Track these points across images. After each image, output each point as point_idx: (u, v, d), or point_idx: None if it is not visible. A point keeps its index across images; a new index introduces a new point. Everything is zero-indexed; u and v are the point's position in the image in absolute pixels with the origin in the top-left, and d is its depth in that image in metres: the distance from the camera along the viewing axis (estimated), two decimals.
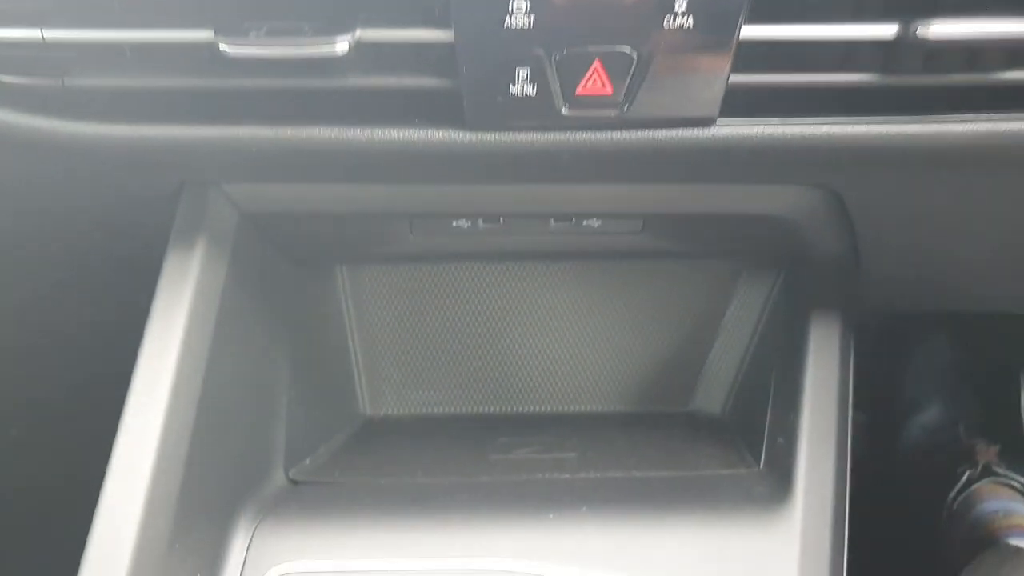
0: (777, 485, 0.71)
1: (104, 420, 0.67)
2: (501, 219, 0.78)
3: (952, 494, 1.33)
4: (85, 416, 0.79)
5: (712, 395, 0.91)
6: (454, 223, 0.78)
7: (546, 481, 0.74)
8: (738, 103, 0.61)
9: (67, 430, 0.84)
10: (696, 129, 0.61)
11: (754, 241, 0.81)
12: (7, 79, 0.61)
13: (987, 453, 1.33)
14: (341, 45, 0.57)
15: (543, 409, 0.93)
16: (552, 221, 0.79)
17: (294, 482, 0.77)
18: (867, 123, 0.62)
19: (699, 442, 0.84)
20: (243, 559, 0.68)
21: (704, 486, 0.73)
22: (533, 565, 0.65)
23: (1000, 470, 1.31)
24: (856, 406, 0.79)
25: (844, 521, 0.71)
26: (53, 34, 0.58)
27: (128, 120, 0.62)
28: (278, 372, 0.80)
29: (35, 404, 1.04)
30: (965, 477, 1.32)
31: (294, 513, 0.71)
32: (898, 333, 1.49)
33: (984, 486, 1.30)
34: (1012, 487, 1.30)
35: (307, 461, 0.81)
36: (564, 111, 0.60)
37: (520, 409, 0.93)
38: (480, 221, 0.78)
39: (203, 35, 0.58)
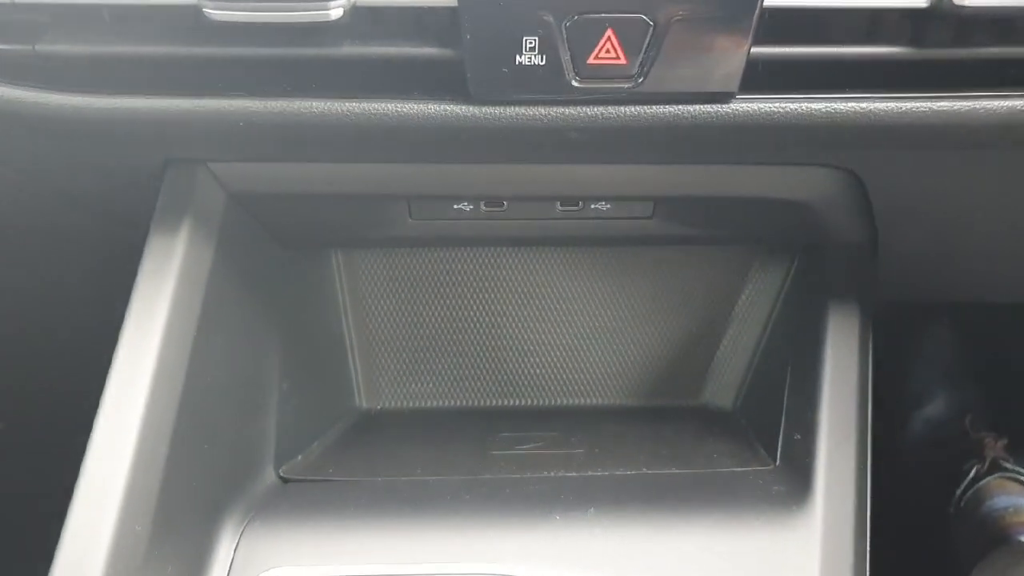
0: (795, 483, 0.68)
1: (85, 414, 0.63)
2: (505, 202, 0.74)
3: (960, 490, 1.30)
4: (65, 409, 0.75)
5: (724, 388, 0.88)
6: (455, 206, 0.74)
7: (551, 479, 0.71)
8: (759, 77, 0.57)
9: (46, 423, 0.80)
10: (714, 105, 0.58)
11: (770, 226, 0.78)
12: None
13: (995, 447, 1.30)
14: (335, 9, 0.53)
15: (548, 402, 0.90)
16: (558, 205, 0.75)
17: (285, 480, 0.73)
18: (896, 99, 0.58)
19: (711, 437, 0.81)
20: (229, 564, 0.64)
21: (717, 484, 0.69)
22: (540, 573, 0.61)
23: (1009, 464, 1.28)
24: None
25: (866, 522, 0.67)
26: None
27: (105, 91, 0.58)
28: (268, 363, 0.76)
29: (13, 396, 1.00)
30: (973, 472, 1.29)
31: (284, 514, 0.67)
32: (901, 323, 1.45)
33: (992, 482, 1.27)
34: (1021, 482, 1.28)
35: (299, 458, 0.77)
36: (574, 83, 0.56)
37: (524, 402, 0.90)
38: (482, 204, 0.74)
39: None
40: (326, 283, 0.86)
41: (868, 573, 0.65)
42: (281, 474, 0.73)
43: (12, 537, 0.87)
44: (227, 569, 0.64)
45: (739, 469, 0.72)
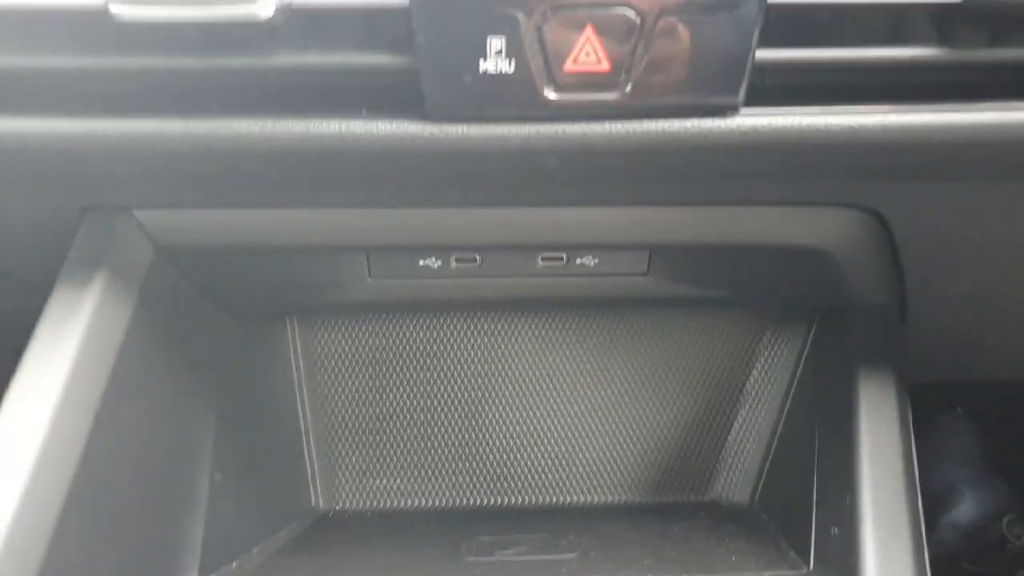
0: None
1: None
2: (477, 256, 0.65)
3: None
4: None
5: (739, 479, 0.76)
6: (421, 261, 0.65)
7: None
8: (768, 86, 0.49)
9: None
10: (715, 119, 0.49)
11: (783, 283, 0.68)
12: None
13: None
14: (264, 6, 0.45)
15: (534, 500, 0.77)
16: (539, 259, 0.65)
17: None
18: (928, 111, 0.50)
19: (727, 537, 0.68)
20: None
21: None
22: None
23: None
24: None
25: None
26: None
27: (4, 111, 0.49)
28: (199, 450, 0.64)
29: None
30: None
31: None
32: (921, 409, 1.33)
33: None
34: None
35: (233, 565, 0.64)
36: (549, 94, 0.47)
37: (506, 500, 0.77)
38: (452, 259, 0.65)
39: None
40: (278, 359, 0.76)
41: None
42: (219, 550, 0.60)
43: None
44: None
45: (765, 574, 0.59)
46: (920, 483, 1.33)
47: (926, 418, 1.32)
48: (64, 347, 0.53)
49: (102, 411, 0.53)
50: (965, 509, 1.31)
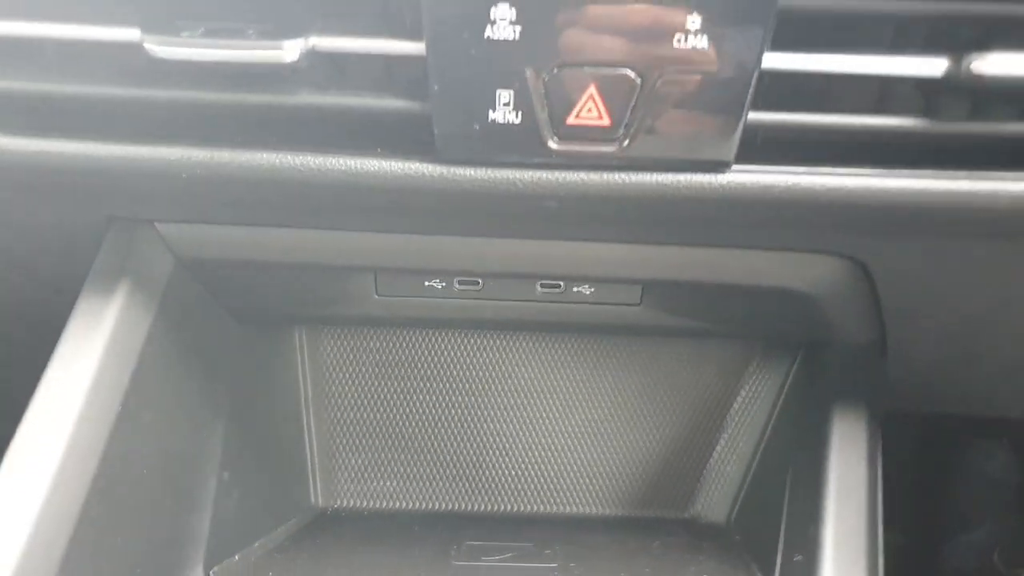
0: None
1: None
2: (480, 281, 0.68)
3: None
4: None
5: (717, 499, 0.79)
6: (426, 283, 0.68)
7: None
8: (758, 146, 0.52)
9: None
10: (708, 175, 0.52)
11: (769, 320, 0.71)
12: None
13: None
14: (290, 51, 0.48)
15: (522, 508, 0.81)
16: (538, 286, 0.68)
17: None
18: (909, 177, 0.53)
19: (701, 555, 0.71)
20: None
21: None
22: None
23: None
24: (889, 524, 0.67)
25: None
26: None
27: (42, 133, 0.53)
28: (209, 449, 0.68)
29: None
30: None
31: None
32: (945, 438, 1.34)
33: None
34: None
35: (235, 558, 0.68)
36: (552, 144, 0.51)
37: (495, 507, 0.81)
38: (456, 282, 0.68)
39: (129, 34, 0.49)
40: (285, 364, 0.79)
41: None
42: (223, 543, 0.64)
43: None
44: None
45: None
46: (938, 506, 1.34)
47: (961, 447, 1.35)
48: (89, 351, 0.56)
49: (122, 412, 0.57)
50: (968, 536, 1.33)
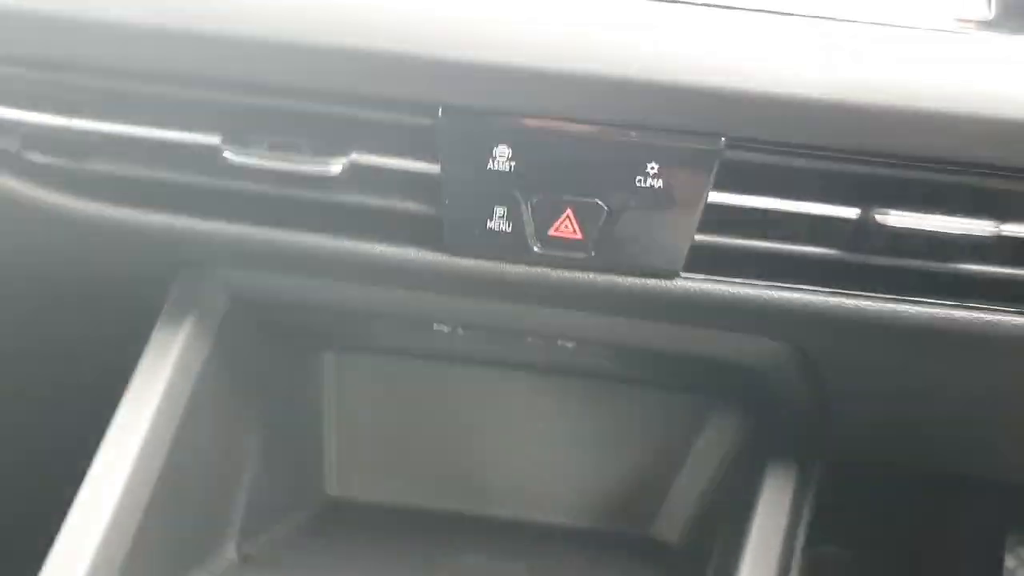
0: None
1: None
2: (485, 332, 0.81)
3: None
4: (53, 481, 0.82)
5: (673, 523, 0.92)
6: (435, 326, 0.82)
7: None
8: (703, 260, 0.64)
9: (35, 496, 0.87)
10: (660, 280, 0.65)
11: (722, 383, 0.83)
12: (34, 157, 0.66)
13: None
14: (335, 166, 0.62)
15: (504, 514, 0.95)
16: (528, 338, 0.81)
17: (244, 558, 0.79)
18: (826, 295, 0.65)
19: (653, 569, 0.85)
20: None
21: None
22: None
23: None
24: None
25: None
26: (80, 124, 0.64)
27: (134, 205, 0.67)
28: (246, 447, 0.83)
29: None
30: None
31: None
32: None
33: None
34: None
35: (262, 537, 0.83)
36: (536, 249, 0.64)
37: (481, 511, 0.95)
38: (459, 329, 0.81)
39: (211, 140, 0.63)
40: (314, 380, 0.94)
41: None
42: (242, 552, 0.79)
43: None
44: None
45: None
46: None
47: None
48: (161, 373, 0.71)
49: (184, 418, 0.72)
50: None
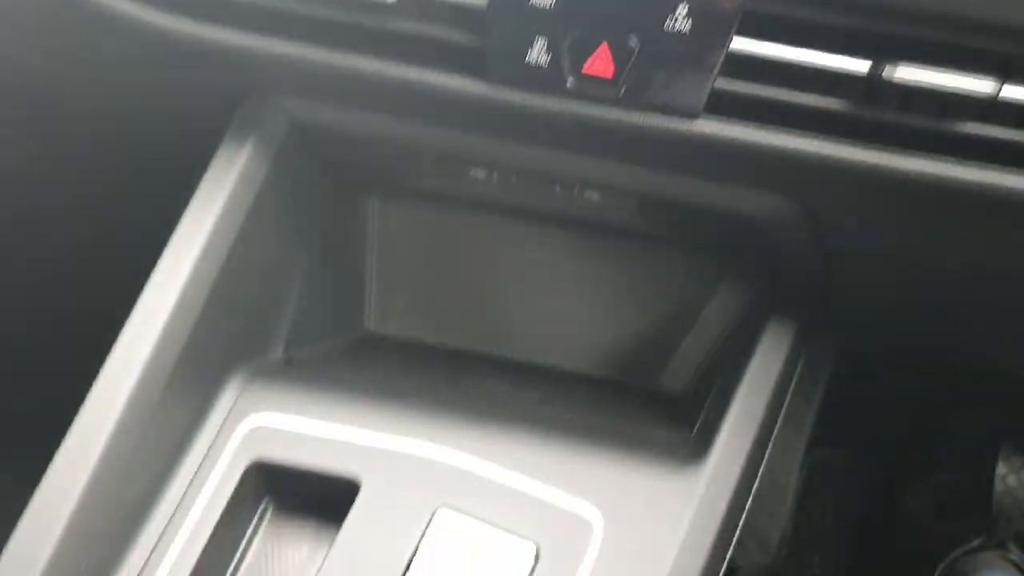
0: (697, 451, 0.80)
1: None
2: (513, 177, 0.88)
3: (957, 552, 1.30)
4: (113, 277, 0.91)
5: (678, 377, 0.99)
6: (472, 172, 0.89)
7: (507, 401, 0.84)
8: (723, 104, 0.70)
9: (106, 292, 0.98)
10: (680, 119, 0.70)
11: (734, 244, 0.89)
12: None
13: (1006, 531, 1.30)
14: None
15: (526, 357, 1.03)
16: (557, 188, 0.88)
17: (288, 360, 0.88)
18: (835, 146, 0.69)
19: (654, 412, 0.93)
20: (228, 410, 0.80)
21: (639, 436, 0.83)
22: (470, 460, 0.77)
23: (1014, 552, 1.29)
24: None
25: (745, 500, 0.80)
26: None
27: (212, 21, 0.74)
28: (295, 268, 0.91)
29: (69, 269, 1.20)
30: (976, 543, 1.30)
31: (283, 383, 0.83)
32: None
33: (990, 556, 1.29)
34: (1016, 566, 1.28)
35: (306, 348, 0.92)
36: (569, 84, 0.70)
37: (505, 354, 1.03)
38: (495, 174, 0.88)
39: None
40: (359, 221, 1.01)
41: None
42: (287, 356, 0.89)
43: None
44: (225, 414, 0.80)
45: (662, 431, 0.85)
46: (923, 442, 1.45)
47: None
48: (224, 185, 0.80)
49: (243, 231, 0.80)
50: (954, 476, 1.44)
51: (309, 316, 0.94)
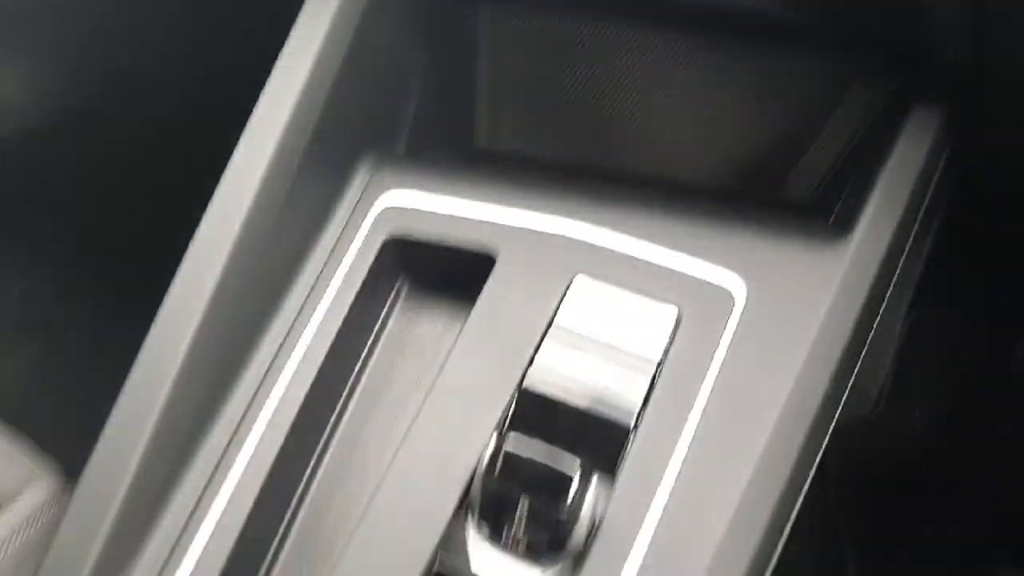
0: (837, 234, 0.78)
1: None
2: None
3: None
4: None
5: (804, 184, 0.96)
6: None
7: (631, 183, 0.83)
8: None
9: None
10: None
11: (875, 22, 0.84)
12: None
13: None
14: None
15: (645, 169, 1.00)
16: None
17: (410, 151, 0.88)
18: None
19: (780, 218, 0.90)
20: (361, 191, 0.80)
21: (775, 221, 0.80)
22: (609, 234, 0.75)
23: None
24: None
25: (885, 291, 0.78)
26: None
27: None
28: (414, 66, 0.90)
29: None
30: None
31: (413, 167, 0.82)
32: None
33: None
34: None
35: (426, 153, 0.92)
36: None
37: (624, 166, 1.01)
38: None
39: None
40: (471, 23, 0.99)
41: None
42: (410, 149, 0.88)
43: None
44: (359, 194, 0.80)
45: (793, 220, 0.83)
46: None
47: None
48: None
49: (358, 30, 0.79)
50: None
51: (425, 125, 0.93)
